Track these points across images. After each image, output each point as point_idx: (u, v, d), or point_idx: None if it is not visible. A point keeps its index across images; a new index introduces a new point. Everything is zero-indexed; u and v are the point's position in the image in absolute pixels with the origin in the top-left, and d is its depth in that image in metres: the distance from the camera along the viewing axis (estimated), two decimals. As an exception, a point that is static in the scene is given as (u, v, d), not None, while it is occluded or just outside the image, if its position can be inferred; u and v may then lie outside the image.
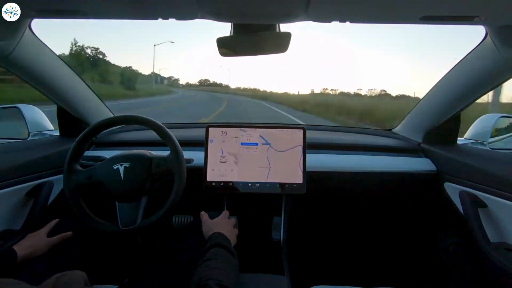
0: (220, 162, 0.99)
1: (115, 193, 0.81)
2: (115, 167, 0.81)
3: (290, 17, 0.64)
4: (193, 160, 0.99)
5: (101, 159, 1.02)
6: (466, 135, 1.29)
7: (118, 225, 0.79)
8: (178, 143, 0.84)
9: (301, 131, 1.00)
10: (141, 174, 0.82)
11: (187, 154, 0.89)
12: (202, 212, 0.82)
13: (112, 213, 0.82)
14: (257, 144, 1.00)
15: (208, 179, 0.98)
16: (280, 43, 0.78)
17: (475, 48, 0.84)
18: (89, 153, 1.08)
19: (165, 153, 0.87)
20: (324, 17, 0.64)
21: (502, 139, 1.40)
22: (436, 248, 1.06)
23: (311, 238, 1.41)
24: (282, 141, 1.00)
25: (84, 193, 0.83)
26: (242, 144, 1.00)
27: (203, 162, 0.99)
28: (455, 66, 0.94)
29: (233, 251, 0.67)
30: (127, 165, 0.81)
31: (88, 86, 1.13)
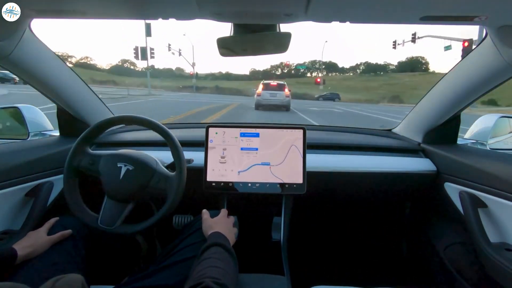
0: (220, 162, 0.99)
1: (107, 188, 0.82)
2: (118, 165, 0.82)
3: (290, 17, 0.64)
4: (193, 160, 0.99)
5: None
6: (466, 135, 1.29)
7: (97, 220, 0.80)
8: (180, 148, 0.84)
9: (301, 131, 1.00)
10: (139, 181, 0.82)
11: (187, 154, 0.89)
12: (204, 210, 0.82)
13: (98, 208, 0.82)
14: (256, 143, 1.00)
15: (208, 179, 0.98)
16: (280, 43, 0.78)
17: (475, 48, 0.84)
18: None
19: (166, 154, 0.87)
20: (324, 17, 0.64)
21: (502, 139, 1.40)
22: (436, 248, 1.06)
23: (311, 238, 1.41)
24: (282, 141, 1.00)
25: (81, 177, 0.84)
26: (242, 147, 1.00)
27: (203, 162, 0.99)
28: (455, 66, 0.94)
29: (231, 251, 0.66)
30: (130, 168, 0.82)
31: (88, 86, 1.13)
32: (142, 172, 0.82)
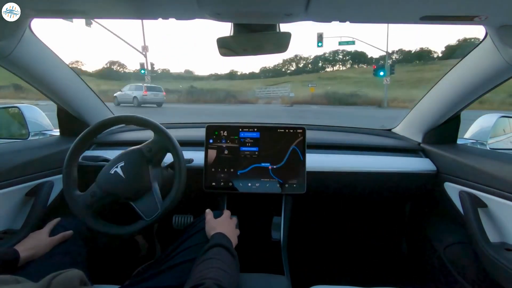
0: (220, 162, 0.99)
1: (125, 195, 0.80)
2: (112, 172, 0.81)
3: (290, 17, 0.64)
4: (193, 160, 0.99)
5: (101, 159, 1.02)
6: (466, 135, 1.29)
7: (144, 220, 0.79)
8: (177, 142, 0.84)
9: (301, 131, 1.00)
10: (139, 165, 0.82)
11: (187, 154, 0.89)
12: (208, 210, 0.82)
13: (133, 213, 0.81)
14: (257, 143, 1.00)
15: (208, 179, 0.98)
16: (280, 43, 0.78)
17: (475, 48, 0.84)
18: (89, 153, 1.08)
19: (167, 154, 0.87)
20: (324, 17, 0.64)
21: (502, 139, 1.40)
22: (436, 248, 1.06)
23: (311, 238, 1.41)
24: (282, 141, 1.00)
25: (96, 209, 0.81)
26: (241, 147, 1.00)
27: (203, 162, 0.99)
28: (455, 66, 0.94)
29: (234, 253, 0.66)
30: (123, 164, 0.81)
31: (88, 86, 1.13)
32: (133, 158, 0.83)
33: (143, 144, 0.86)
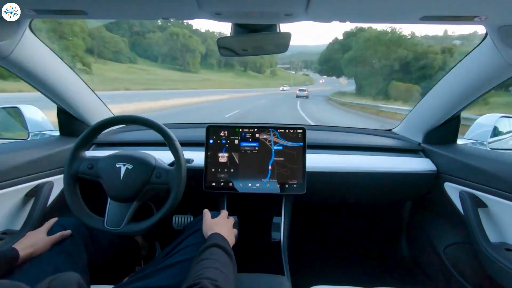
0: (220, 162, 0.99)
1: (109, 190, 0.81)
2: (117, 165, 0.82)
3: (290, 17, 0.64)
4: (193, 160, 0.99)
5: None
6: (466, 135, 1.29)
7: (103, 222, 0.80)
8: (180, 147, 0.84)
9: (301, 131, 1.00)
10: (140, 179, 0.82)
11: (187, 154, 0.89)
12: (205, 210, 0.82)
13: (102, 210, 0.82)
14: (257, 144, 1.00)
15: (208, 179, 0.98)
16: (280, 43, 0.78)
17: (475, 48, 0.84)
18: (89, 153, 1.08)
19: (166, 154, 0.87)
20: (324, 17, 0.65)
21: (502, 139, 1.40)
22: (436, 248, 1.06)
23: (311, 238, 1.41)
24: (282, 141, 1.00)
25: (81, 181, 0.83)
26: (242, 144, 1.00)
27: (203, 162, 0.99)
28: (455, 66, 0.94)
29: (230, 253, 0.66)
30: (130, 167, 0.82)
31: (88, 86, 1.13)
32: (141, 169, 0.82)
33: (159, 165, 0.85)
